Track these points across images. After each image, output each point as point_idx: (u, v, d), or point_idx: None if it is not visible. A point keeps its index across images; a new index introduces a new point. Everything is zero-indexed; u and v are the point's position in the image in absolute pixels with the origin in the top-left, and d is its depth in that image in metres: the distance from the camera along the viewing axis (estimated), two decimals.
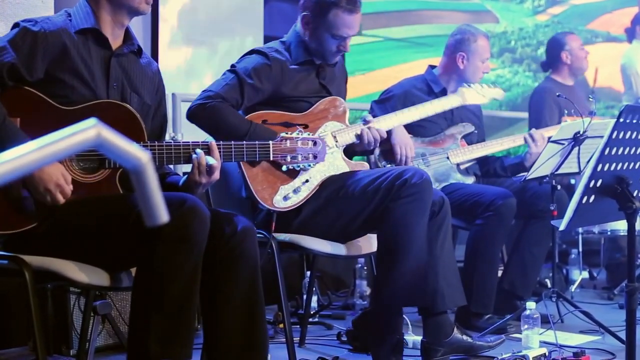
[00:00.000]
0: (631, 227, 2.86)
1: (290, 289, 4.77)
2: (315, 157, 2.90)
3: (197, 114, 3.39)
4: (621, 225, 5.12)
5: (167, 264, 2.49)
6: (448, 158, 4.43)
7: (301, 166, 2.91)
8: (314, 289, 4.55)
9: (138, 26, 5.09)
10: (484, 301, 4.28)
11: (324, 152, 2.94)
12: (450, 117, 4.55)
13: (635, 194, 2.99)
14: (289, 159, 2.88)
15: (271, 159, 2.87)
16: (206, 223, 2.55)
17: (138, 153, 1.59)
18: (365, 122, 3.70)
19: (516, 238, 4.63)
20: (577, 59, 5.68)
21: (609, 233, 5.24)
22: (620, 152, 2.77)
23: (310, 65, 3.61)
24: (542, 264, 4.68)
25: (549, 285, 5.26)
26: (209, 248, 2.61)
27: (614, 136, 2.69)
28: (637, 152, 2.87)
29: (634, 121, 2.75)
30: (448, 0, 6.95)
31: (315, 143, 2.90)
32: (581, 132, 4.02)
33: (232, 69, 3.50)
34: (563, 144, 4.05)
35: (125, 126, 2.69)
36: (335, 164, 3.54)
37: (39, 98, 2.65)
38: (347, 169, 3.56)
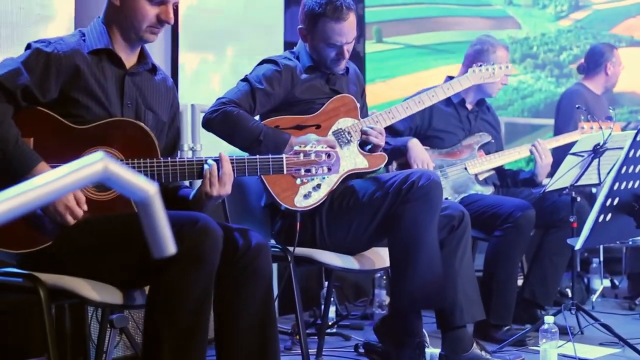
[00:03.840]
0: None
1: (309, 299, 4.78)
2: (329, 169, 2.89)
3: (211, 120, 3.43)
4: None
5: (178, 284, 2.49)
6: (466, 169, 4.41)
7: (315, 179, 2.90)
8: (332, 299, 4.55)
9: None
10: (502, 313, 4.26)
11: (338, 164, 2.93)
12: (468, 128, 4.53)
13: None
14: (302, 172, 2.86)
15: (285, 172, 2.85)
16: (218, 243, 2.55)
17: (145, 185, 1.59)
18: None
19: (536, 247, 4.61)
20: (615, 75, 5.66)
21: (630, 243, 5.19)
22: (637, 170, 2.75)
23: (319, 72, 3.64)
24: (562, 273, 4.65)
25: (570, 294, 5.24)
26: (222, 264, 2.60)
27: (630, 155, 2.67)
28: None
29: None
30: (469, 7, 6.92)
31: (329, 155, 2.88)
32: (601, 144, 3.98)
33: (245, 79, 3.56)
34: (582, 156, 4.01)
35: (139, 144, 2.70)
36: (352, 158, 3.55)
37: (52, 118, 2.66)
38: (365, 163, 3.55)
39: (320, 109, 3.58)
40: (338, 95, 3.63)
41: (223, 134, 3.45)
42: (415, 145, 4.18)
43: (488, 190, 4.45)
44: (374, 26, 6.21)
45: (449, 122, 4.52)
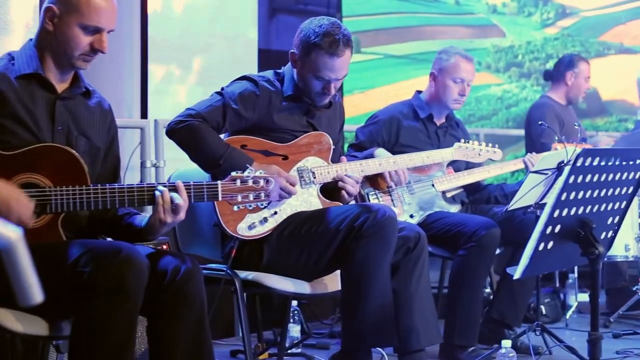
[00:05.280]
0: (594, 272, 2.75)
1: (274, 316, 4.69)
2: (267, 195, 2.81)
3: (175, 131, 3.35)
4: (618, 251, 4.98)
5: (102, 315, 2.45)
6: (433, 185, 4.31)
7: (252, 206, 2.82)
8: (297, 317, 4.48)
9: (129, 44, 5.02)
10: (467, 333, 4.16)
11: (277, 191, 2.86)
12: (437, 144, 4.43)
13: (602, 236, 2.90)
14: (239, 198, 2.79)
15: (220, 199, 2.78)
16: (142, 273, 2.50)
17: (7, 232, 1.53)
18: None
19: (505, 266, 4.52)
20: (577, 87, 5.57)
21: (605, 259, 5.10)
22: (581, 196, 2.67)
23: (300, 102, 3.54)
24: (532, 293, 4.55)
25: (544, 311, 5.17)
26: (151, 291, 2.57)
27: (570, 181, 2.58)
28: (601, 195, 2.76)
29: (594, 164, 2.64)
30: (451, 15, 6.84)
31: (267, 181, 2.81)
32: (565, 162, 3.89)
33: (220, 92, 3.46)
34: (546, 173, 3.93)
35: (68, 170, 2.64)
36: (309, 200, 3.47)
37: None
38: (320, 207, 3.48)
39: (292, 139, 3.49)
40: (315, 132, 3.55)
41: (184, 147, 3.38)
42: (382, 154, 4.09)
43: (455, 208, 4.36)
44: (352, 36, 6.11)
45: (417, 137, 4.43)
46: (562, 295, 5.55)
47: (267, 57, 5.80)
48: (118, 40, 5.06)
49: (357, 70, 6.18)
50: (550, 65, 7.47)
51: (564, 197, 2.60)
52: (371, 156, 4.11)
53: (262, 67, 5.51)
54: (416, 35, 6.58)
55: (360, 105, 6.11)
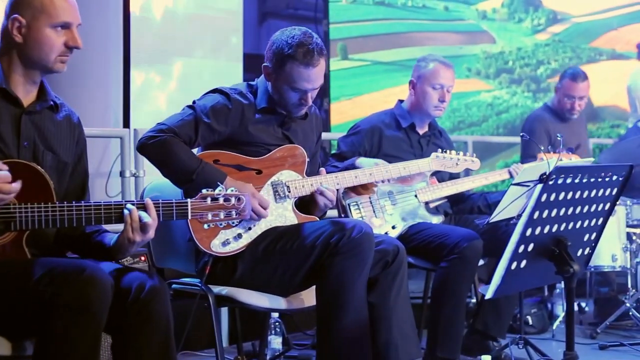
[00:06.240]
0: (570, 291, 2.71)
1: (255, 328, 4.66)
2: (239, 214, 2.77)
3: (146, 146, 3.29)
4: (605, 261, 4.94)
5: (65, 334, 2.41)
6: (416, 196, 4.26)
7: (223, 224, 2.78)
8: (279, 329, 4.43)
9: (110, 47, 4.97)
10: (450, 346, 4.11)
11: (249, 208, 2.81)
12: (420, 153, 4.38)
13: (579, 254, 2.86)
14: (209, 216, 2.75)
15: (189, 217, 2.73)
16: (106, 292, 2.46)
17: None
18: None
19: (489, 277, 4.46)
20: (559, 102, 5.58)
21: (592, 269, 5.06)
22: (554, 213, 2.62)
23: (274, 114, 3.49)
24: (516, 303, 4.50)
25: (531, 322, 5.12)
26: (117, 310, 2.53)
27: (543, 199, 2.54)
28: (576, 212, 2.72)
29: (567, 181, 2.59)
30: (441, 22, 6.79)
31: (239, 199, 2.76)
32: (547, 174, 3.84)
33: (191, 105, 3.41)
34: (528, 185, 3.87)
35: (32, 187, 2.60)
36: (284, 214, 3.42)
37: None
38: (295, 222, 3.43)
39: (266, 153, 3.44)
40: (289, 145, 3.49)
41: (156, 163, 3.32)
42: (363, 163, 4.05)
43: (438, 219, 4.31)
44: (339, 43, 6.09)
45: (400, 147, 4.39)
46: (549, 305, 5.50)
47: (256, 62, 5.74)
48: (103, 46, 5.02)
49: (344, 77, 6.15)
50: (540, 72, 7.46)
51: (536, 215, 2.55)
52: (352, 166, 4.07)
53: (250, 72, 5.46)
54: (405, 42, 6.53)
55: (347, 112, 6.07)
